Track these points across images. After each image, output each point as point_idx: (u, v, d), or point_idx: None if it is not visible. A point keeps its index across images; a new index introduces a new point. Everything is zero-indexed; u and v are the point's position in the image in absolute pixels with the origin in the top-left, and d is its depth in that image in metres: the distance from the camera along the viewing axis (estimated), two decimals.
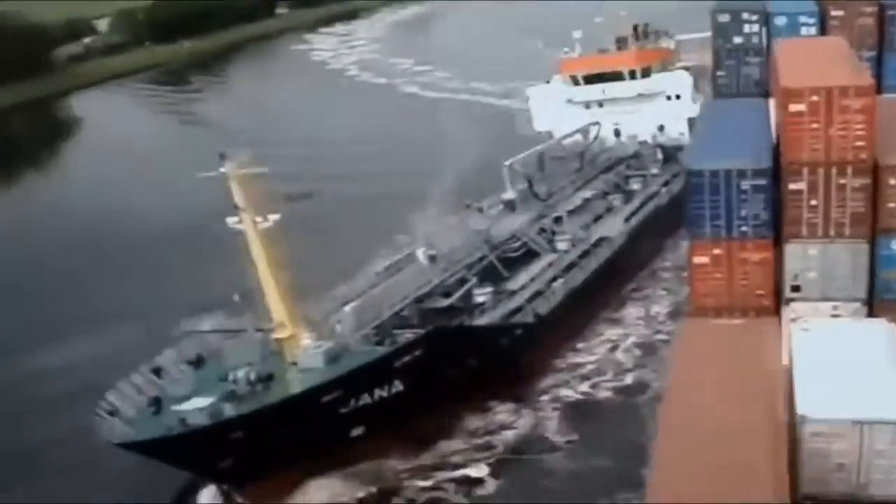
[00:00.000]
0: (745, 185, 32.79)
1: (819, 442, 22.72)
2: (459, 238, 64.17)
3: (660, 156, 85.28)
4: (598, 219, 72.09)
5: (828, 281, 31.19)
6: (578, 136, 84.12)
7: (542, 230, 68.15)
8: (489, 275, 61.16)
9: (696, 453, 22.32)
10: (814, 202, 30.74)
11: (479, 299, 57.35)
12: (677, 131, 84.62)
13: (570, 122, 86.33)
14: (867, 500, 22.80)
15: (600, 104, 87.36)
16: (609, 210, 74.70)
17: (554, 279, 60.87)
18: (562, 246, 65.81)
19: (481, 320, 54.30)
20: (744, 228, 32.91)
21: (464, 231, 65.53)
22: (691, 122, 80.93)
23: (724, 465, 21.76)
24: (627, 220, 70.60)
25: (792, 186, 30.69)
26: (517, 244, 65.64)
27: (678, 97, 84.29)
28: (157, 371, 49.14)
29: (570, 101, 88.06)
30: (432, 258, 60.43)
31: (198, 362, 50.64)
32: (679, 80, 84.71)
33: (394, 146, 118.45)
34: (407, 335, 49.19)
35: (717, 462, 21.87)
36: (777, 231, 32.21)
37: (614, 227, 69.29)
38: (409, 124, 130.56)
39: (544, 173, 78.31)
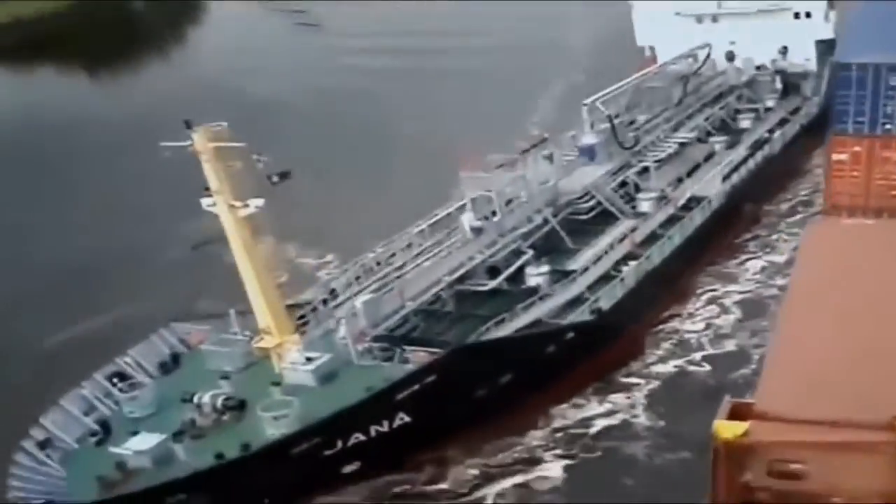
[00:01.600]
0: (895, 80, 31.91)
1: None
2: (516, 195, 48.98)
3: (778, 84, 72.98)
4: (694, 169, 59.06)
5: None
6: (684, 63, 69.20)
7: (624, 184, 55.29)
8: (551, 246, 48.89)
9: (810, 362, 21.97)
10: None
11: (533, 281, 44.90)
12: (803, 56, 72.88)
13: (677, 39, 72.82)
14: None
15: (714, 18, 74.64)
16: (709, 157, 61.18)
17: (626, 259, 47.91)
18: (644, 207, 53.46)
19: (530, 314, 41.53)
20: (888, 126, 32.24)
21: (522, 186, 49.38)
22: (821, 46, 71.63)
23: (838, 378, 20.84)
24: (727, 176, 56.91)
25: None
26: (588, 204, 52.25)
27: (808, 15, 71.90)
28: (118, 377, 38.36)
29: (678, 13, 75.18)
30: (477, 231, 46.15)
31: (172, 363, 40.10)
32: None
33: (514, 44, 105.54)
34: (420, 354, 37.27)
35: (831, 374, 21.07)
36: None
37: (711, 186, 55.69)
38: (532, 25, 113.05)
39: (633, 112, 62.69)
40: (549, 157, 53.94)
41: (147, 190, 67.93)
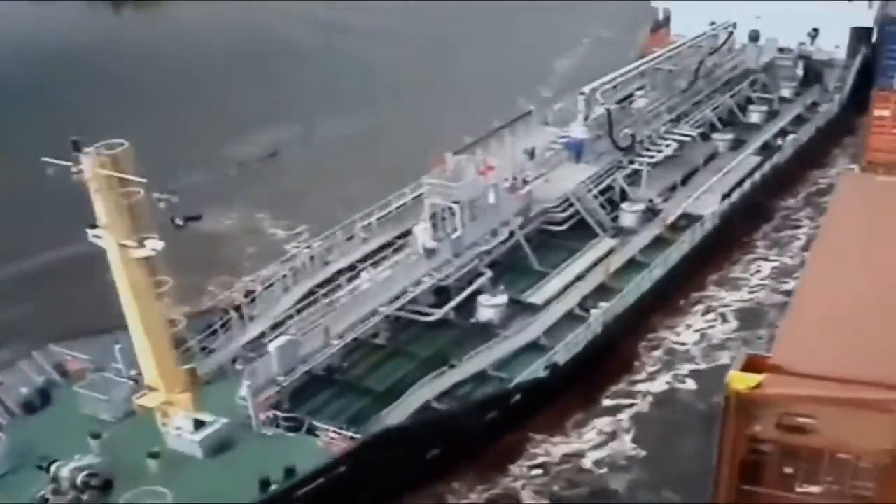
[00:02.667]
0: None
1: None
2: (485, 204, 40.88)
3: (800, 71, 64.82)
4: (691, 174, 51.16)
5: None
6: (704, 42, 60.55)
7: (609, 188, 47.55)
8: (516, 263, 42.49)
9: (829, 318, 21.88)
10: None
11: (485, 314, 38.14)
12: (833, 43, 65.52)
13: (699, 7, 65.37)
14: None
15: None
16: (711, 159, 53.37)
17: (599, 290, 40.34)
18: (627, 221, 46.05)
19: (475, 363, 34.83)
20: None
21: (493, 192, 41.08)
22: (856, 34, 65.14)
23: (855, 335, 20.96)
24: (728, 194, 48.24)
25: None
26: (565, 214, 44.89)
27: None
28: None
29: None
30: (431, 252, 38.59)
31: (40, 399, 32.93)
32: None
33: None
34: (330, 436, 29.67)
35: (849, 331, 21.11)
36: None
37: (707, 204, 47.27)
38: None
39: (633, 95, 55.69)
40: (531, 153, 47.22)
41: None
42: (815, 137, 57.04)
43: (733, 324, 41.94)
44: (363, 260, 40.83)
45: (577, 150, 48.21)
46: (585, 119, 48.49)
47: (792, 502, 19.53)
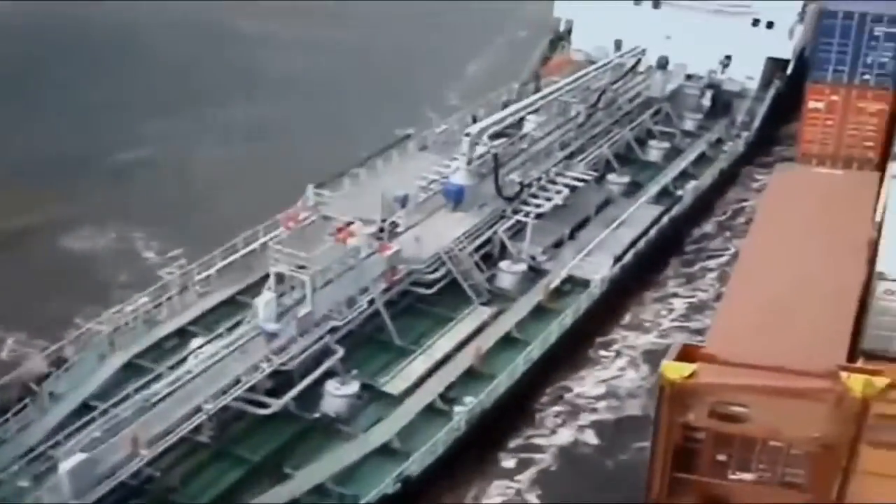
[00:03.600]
0: (878, 31, 31.99)
1: (891, 300, 22.51)
2: (343, 266, 35.02)
3: (707, 101, 59.72)
4: (582, 226, 46.00)
5: None
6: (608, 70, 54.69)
7: (489, 241, 42.15)
8: (374, 335, 36.81)
9: (762, 308, 22.44)
10: None
11: (332, 406, 32.82)
12: (745, 73, 60.42)
13: (604, 19, 60.93)
14: None
15: (655, 3, 61.48)
16: (604, 207, 47.89)
17: (468, 376, 35.13)
18: (506, 283, 40.74)
19: (313, 474, 29.69)
20: (866, 76, 32.27)
21: (353, 255, 35.47)
22: (771, 65, 60.06)
23: (788, 325, 21.62)
24: (620, 257, 43.20)
25: None
26: (436, 275, 39.01)
27: (770, 25, 59.32)
28: None
29: None
30: (270, 336, 32.39)
31: None
32: (785, 2, 59.78)
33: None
34: None
35: (782, 321, 21.77)
36: None
37: (597, 267, 42.13)
38: None
39: (524, 130, 49.85)
40: (402, 200, 40.25)
41: None
42: (718, 182, 53.24)
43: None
44: (196, 321, 35.77)
45: (456, 199, 42.48)
46: (468, 163, 42.64)
47: (724, 489, 19.78)
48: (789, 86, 58.61)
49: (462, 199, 42.41)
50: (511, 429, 35.22)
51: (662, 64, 57.19)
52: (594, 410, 36.99)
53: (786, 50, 59.76)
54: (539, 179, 45.47)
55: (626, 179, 50.41)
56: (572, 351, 39.11)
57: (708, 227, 51.36)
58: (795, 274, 23.69)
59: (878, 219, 26.45)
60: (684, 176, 52.18)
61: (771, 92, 59.74)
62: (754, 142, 57.50)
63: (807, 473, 19.37)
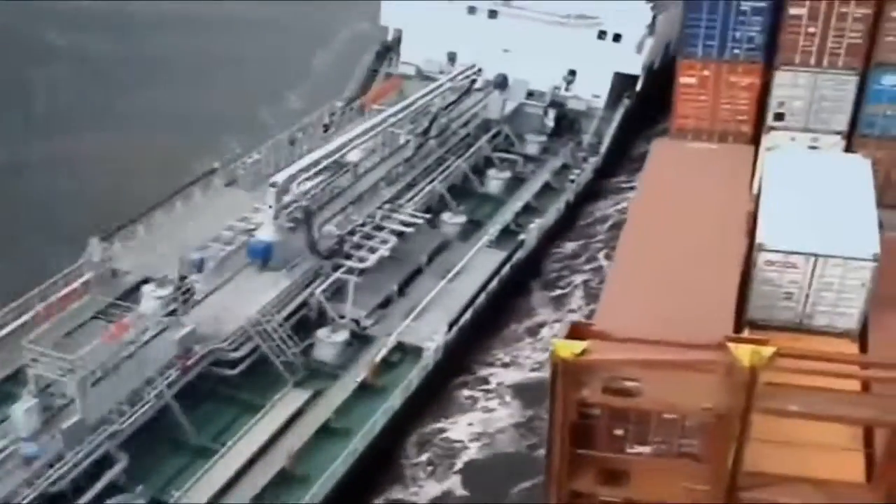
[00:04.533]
0: (745, 5, 32.86)
1: (772, 271, 23.04)
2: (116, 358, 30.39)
3: (551, 121, 54.94)
4: (412, 278, 41.49)
5: (812, 112, 31.43)
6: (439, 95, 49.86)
7: (306, 304, 37.57)
8: (166, 432, 31.74)
9: (647, 283, 22.80)
10: (812, 29, 30.96)
11: None
12: (593, 89, 55.55)
13: (435, 28, 55.88)
14: (809, 329, 23.28)
15: (492, 13, 56.10)
16: (437, 254, 43.35)
17: (281, 481, 31.03)
18: (324, 355, 35.96)
19: None
20: (736, 51, 33.06)
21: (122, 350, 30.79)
22: (620, 81, 55.63)
23: (673, 299, 22.06)
24: (454, 322, 38.59)
25: (793, 11, 31.47)
26: (240, 353, 34.06)
27: (617, 38, 55.07)
28: None
29: None
30: (29, 459, 28.07)
31: None
32: (632, 13, 55.25)
33: None
34: None
35: (667, 295, 22.24)
36: (769, 57, 32.20)
37: (430, 325, 38.00)
38: None
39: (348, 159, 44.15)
40: (199, 264, 35.77)
41: None
42: (565, 216, 49.82)
43: None
44: None
45: (263, 257, 37.38)
46: (276, 217, 37.38)
47: (624, 463, 19.87)
48: (639, 104, 55.64)
49: (270, 257, 37.33)
50: None
51: (500, 82, 53.03)
52: None
53: (634, 65, 55.48)
54: (363, 225, 40.95)
55: (461, 220, 45.62)
56: (402, 437, 34.66)
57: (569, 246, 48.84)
58: (679, 248, 23.98)
59: (755, 191, 27.00)
60: (527, 211, 48.09)
61: (619, 111, 55.64)
62: (603, 166, 54.09)
63: (702, 444, 19.58)
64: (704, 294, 22.17)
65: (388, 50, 59.32)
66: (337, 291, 38.13)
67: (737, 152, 31.00)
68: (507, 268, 42.70)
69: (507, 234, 45.51)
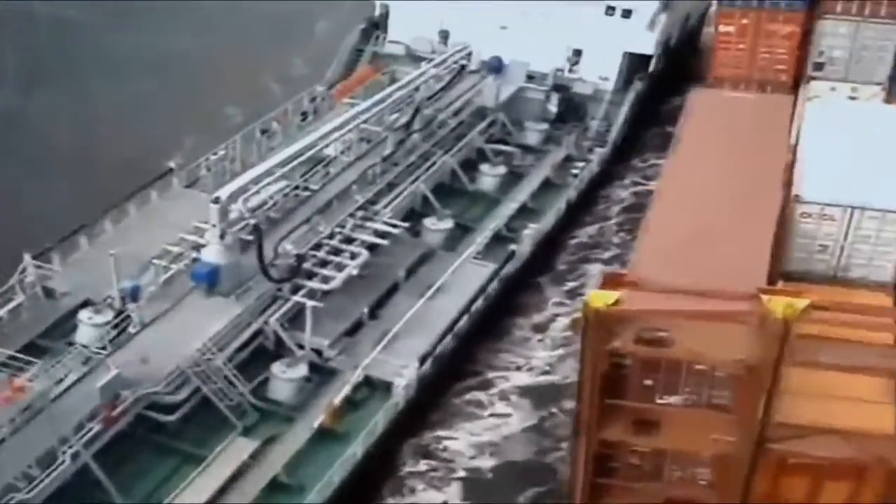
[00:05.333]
0: None
1: (808, 223, 22.91)
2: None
3: (553, 107, 48.83)
4: (389, 296, 35.55)
5: (853, 62, 31.04)
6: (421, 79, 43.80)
7: (261, 332, 32.31)
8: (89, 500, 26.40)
9: (682, 233, 22.59)
10: None
11: None
12: (601, 70, 49.58)
13: (428, 8, 50.17)
14: (844, 282, 23.20)
15: None
16: (419, 265, 37.42)
17: None
18: (281, 394, 31.04)
19: None
20: None
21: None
22: (631, 61, 49.62)
23: (708, 249, 21.81)
24: (426, 357, 32.65)
25: None
26: (181, 396, 28.98)
27: (627, 14, 49.14)
28: None
29: None
30: None
31: None
32: None
33: None
34: None
35: (702, 245, 21.96)
36: (810, 5, 31.76)
37: (402, 355, 32.31)
38: None
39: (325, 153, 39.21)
40: (133, 293, 30.51)
41: None
42: (564, 218, 43.01)
43: None
44: None
45: (208, 282, 31.74)
46: (222, 236, 31.78)
47: (654, 413, 20.00)
48: (653, 86, 50.46)
49: (217, 282, 31.73)
50: None
51: (496, 67, 46.40)
52: None
53: (647, 44, 49.46)
54: (332, 237, 35.06)
55: (447, 225, 39.02)
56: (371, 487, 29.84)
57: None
58: (715, 198, 23.76)
59: (792, 142, 26.74)
60: (524, 213, 41.56)
61: (630, 94, 49.42)
62: (612, 157, 47.92)
63: (732, 395, 19.62)
64: (739, 245, 22.03)
65: (376, 27, 53.06)
66: (298, 317, 32.56)
67: (775, 102, 30.72)
68: (495, 283, 36.75)
69: (499, 240, 39.28)
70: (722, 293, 18.75)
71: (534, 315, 38.20)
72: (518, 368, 35.40)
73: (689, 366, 19.60)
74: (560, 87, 48.94)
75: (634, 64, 49.87)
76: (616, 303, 18.93)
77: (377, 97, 40.18)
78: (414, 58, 49.37)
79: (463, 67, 46.61)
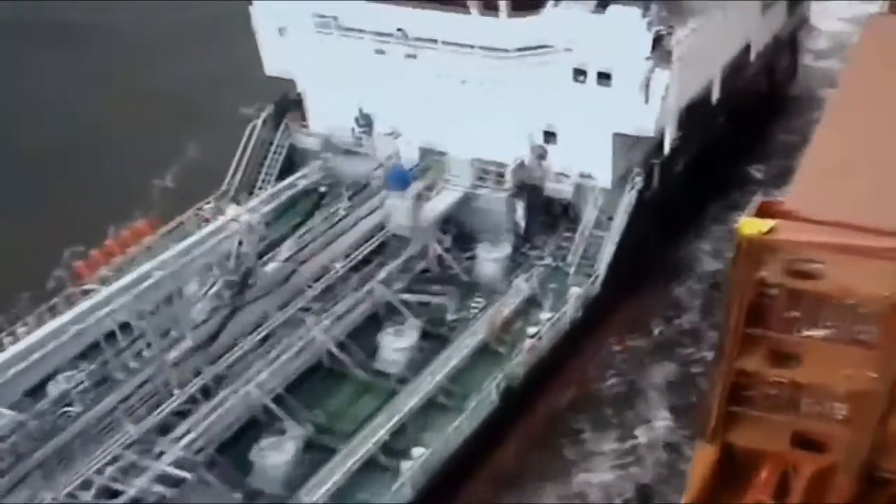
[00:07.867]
0: None
1: None
2: None
3: (521, 217, 37.24)
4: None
5: None
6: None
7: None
8: None
9: (845, 164, 21.58)
10: None
11: None
12: (581, 165, 36.90)
13: (338, 84, 39.20)
14: None
15: (411, 52, 37.82)
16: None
17: None
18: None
19: None
20: None
21: None
22: (627, 146, 36.49)
23: (870, 182, 20.81)
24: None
25: None
26: None
27: (604, 78, 34.94)
28: None
29: (322, 22, 38.23)
30: None
31: None
32: (624, 21, 34.32)
33: None
34: None
35: (864, 178, 20.96)
36: None
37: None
38: None
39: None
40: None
41: None
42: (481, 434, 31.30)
43: None
44: None
45: None
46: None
47: (794, 345, 20.20)
48: (666, 180, 36.83)
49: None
50: None
51: (399, 177, 34.71)
52: None
53: (643, 120, 35.15)
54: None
55: (293, 446, 28.73)
56: None
57: None
58: (883, 130, 22.66)
59: None
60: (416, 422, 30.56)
61: (626, 197, 36.16)
62: (609, 278, 35.30)
63: (876, 331, 19.69)
64: None
65: (285, 109, 41.88)
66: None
67: None
68: None
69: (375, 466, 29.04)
70: (876, 228, 18.79)
71: None
72: None
73: (835, 300, 19.73)
74: (526, 188, 36.87)
75: (639, 147, 36.76)
76: (769, 231, 19.14)
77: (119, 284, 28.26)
78: (341, 151, 39.39)
79: (322, 195, 35.80)
